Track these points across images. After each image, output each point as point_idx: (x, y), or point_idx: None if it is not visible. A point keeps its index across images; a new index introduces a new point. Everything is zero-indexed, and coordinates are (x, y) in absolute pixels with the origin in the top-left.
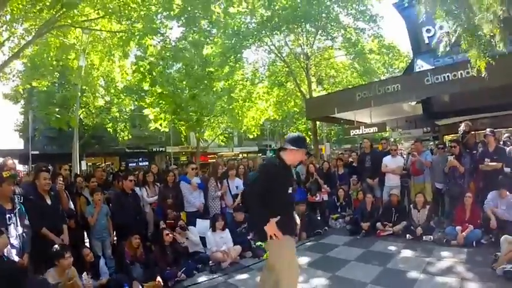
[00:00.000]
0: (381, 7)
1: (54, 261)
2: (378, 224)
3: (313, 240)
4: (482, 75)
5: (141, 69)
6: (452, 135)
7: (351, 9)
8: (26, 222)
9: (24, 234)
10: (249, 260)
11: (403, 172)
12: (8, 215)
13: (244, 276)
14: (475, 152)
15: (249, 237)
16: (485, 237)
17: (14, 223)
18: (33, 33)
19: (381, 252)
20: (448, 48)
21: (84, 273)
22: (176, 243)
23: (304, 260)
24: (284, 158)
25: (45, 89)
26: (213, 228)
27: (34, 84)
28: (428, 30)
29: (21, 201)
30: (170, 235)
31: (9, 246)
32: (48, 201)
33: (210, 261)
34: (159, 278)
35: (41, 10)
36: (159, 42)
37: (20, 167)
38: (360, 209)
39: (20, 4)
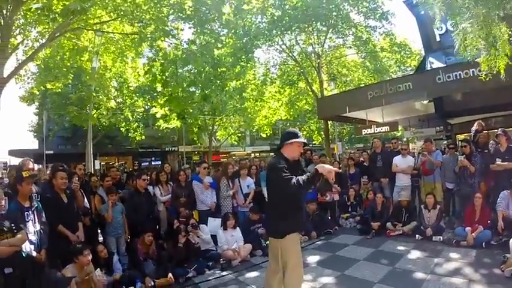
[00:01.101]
0: (392, 5)
1: (73, 258)
2: (388, 224)
3: (323, 240)
4: (502, 77)
5: (153, 69)
6: (465, 134)
7: (362, 7)
8: (43, 219)
9: (41, 230)
10: (259, 258)
11: (414, 172)
12: (26, 212)
13: (254, 274)
14: (486, 151)
15: (261, 238)
16: (495, 238)
17: (32, 220)
18: (46, 36)
19: (390, 252)
20: (462, 48)
21: (98, 269)
22: (190, 243)
23: (313, 259)
24: (285, 155)
25: (59, 90)
26: (224, 226)
27: (48, 86)
28: (439, 28)
29: (39, 199)
30: (184, 236)
31: (27, 242)
32: (65, 200)
33: (221, 259)
34: (170, 275)
35: (54, 19)
36: (170, 44)
37: (35, 167)
38: (370, 209)
39: (33, 9)
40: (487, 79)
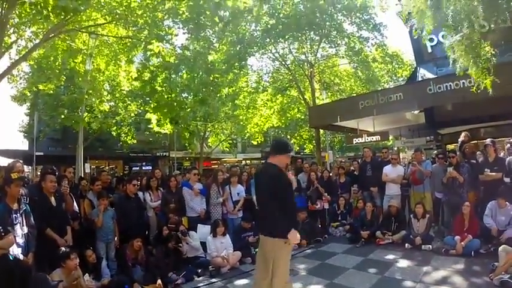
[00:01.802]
0: (384, 15)
1: (60, 262)
2: (378, 233)
3: (313, 248)
4: (489, 92)
5: (143, 76)
6: (455, 144)
7: (355, 18)
8: (32, 222)
9: (29, 233)
10: (249, 266)
11: (404, 181)
12: (14, 215)
13: (243, 281)
14: (473, 161)
15: (250, 246)
16: (484, 247)
17: (20, 223)
18: (40, 37)
19: (379, 260)
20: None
21: (86, 274)
22: (178, 250)
23: (302, 267)
24: (276, 164)
25: (51, 92)
26: (214, 233)
27: (41, 87)
28: (431, 40)
29: (27, 202)
30: (173, 244)
31: (14, 245)
32: (53, 203)
33: (210, 266)
34: (159, 281)
35: (47, 16)
36: (165, 48)
37: (25, 168)
38: (360, 218)
39: (27, 8)
40: (478, 91)
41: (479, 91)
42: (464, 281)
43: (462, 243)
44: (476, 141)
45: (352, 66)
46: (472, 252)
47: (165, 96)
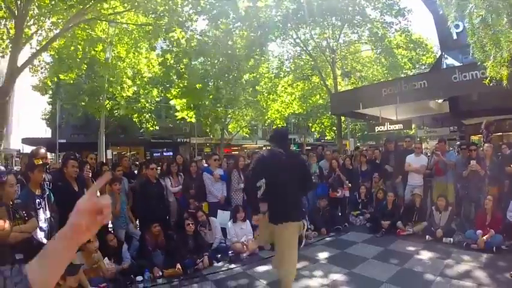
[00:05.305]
0: (408, 0)
1: (80, 246)
2: (399, 223)
3: (333, 236)
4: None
5: (167, 61)
6: (480, 135)
7: (378, 3)
8: (54, 207)
9: (52, 218)
10: (268, 252)
11: (427, 171)
12: (37, 200)
13: (262, 268)
14: (499, 153)
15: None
16: (506, 243)
17: (42, 207)
18: (60, 27)
19: (400, 251)
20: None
21: (106, 258)
22: (198, 233)
23: (322, 255)
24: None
25: (72, 81)
26: (234, 219)
27: (62, 77)
28: (457, 26)
29: (50, 187)
30: (192, 226)
31: (38, 229)
32: (76, 188)
33: (230, 252)
34: (179, 266)
35: (70, 6)
36: (186, 33)
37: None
38: (381, 207)
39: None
40: (491, 84)
41: (491, 84)
42: (486, 277)
43: (484, 238)
44: (501, 133)
45: (375, 52)
46: (494, 248)
47: (185, 83)
